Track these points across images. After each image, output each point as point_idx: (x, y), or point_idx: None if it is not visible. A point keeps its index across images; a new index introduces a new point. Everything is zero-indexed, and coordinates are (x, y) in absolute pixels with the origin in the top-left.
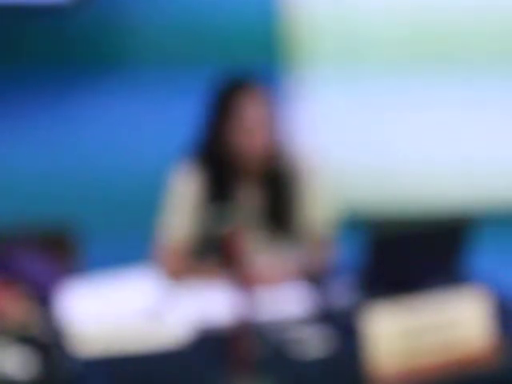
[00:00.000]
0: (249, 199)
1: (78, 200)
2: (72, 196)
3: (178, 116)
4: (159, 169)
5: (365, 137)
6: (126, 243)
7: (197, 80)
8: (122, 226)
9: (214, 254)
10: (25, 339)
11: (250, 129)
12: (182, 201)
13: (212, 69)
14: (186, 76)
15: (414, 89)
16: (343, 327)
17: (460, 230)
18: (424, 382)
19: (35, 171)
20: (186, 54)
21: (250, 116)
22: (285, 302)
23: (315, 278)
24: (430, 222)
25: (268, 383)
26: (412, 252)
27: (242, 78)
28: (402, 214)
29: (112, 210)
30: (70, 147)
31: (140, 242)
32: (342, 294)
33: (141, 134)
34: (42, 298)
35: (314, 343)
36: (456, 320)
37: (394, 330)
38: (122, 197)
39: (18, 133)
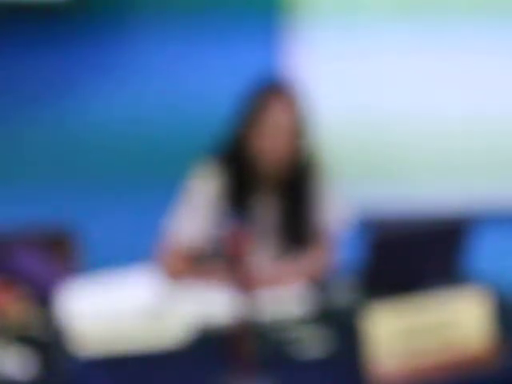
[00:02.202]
0: (266, 208)
1: (78, 199)
2: (72, 195)
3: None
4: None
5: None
6: (126, 243)
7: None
8: (123, 225)
9: (216, 254)
10: (25, 339)
11: (275, 133)
12: (197, 203)
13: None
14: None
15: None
16: (343, 327)
17: (460, 230)
18: (424, 382)
19: (35, 168)
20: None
21: (277, 121)
22: (285, 302)
23: (316, 278)
24: (430, 222)
25: (268, 383)
26: (412, 252)
27: (273, 83)
28: (403, 214)
29: (113, 208)
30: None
31: (140, 242)
32: (342, 294)
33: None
34: (42, 297)
35: (313, 343)
36: (456, 320)
37: (394, 330)
38: (122, 196)
39: (17, 130)
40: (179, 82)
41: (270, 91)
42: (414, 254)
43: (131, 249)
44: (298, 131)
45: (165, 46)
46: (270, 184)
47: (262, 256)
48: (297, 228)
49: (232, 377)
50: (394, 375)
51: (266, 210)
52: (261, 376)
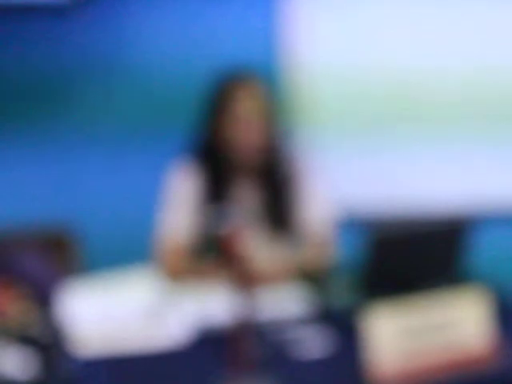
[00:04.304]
0: (247, 197)
1: (78, 198)
2: (72, 195)
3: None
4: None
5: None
6: (126, 243)
7: None
8: (123, 225)
9: (214, 253)
10: (25, 339)
11: (245, 123)
12: (180, 199)
13: None
14: None
15: None
16: (343, 327)
17: (460, 230)
18: (424, 382)
19: (36, 168)
20: None
21: (246, 110)
22: (285, 302)
23: (315, 277)
24: (430, 222)
25: (268, 383)
26: (412, 252)
27: (237, 72)
28: (402, 213)
29: (113, 208)
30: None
31: (140, 242)
32: (341, 294)
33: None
34: (42, 298)
35: (314, 343)
36: (456, 320)
37: (394, 330)
38: (123, 196)
39: (16, 128)
40: (182, 45)
41: (235, 81)
42: (414, 253)
43: (131, 249)
44: (267, 117)
45: (167, 21)
46: (248, 172)
47: (251, 243)
48: (279, 211)
49: (232, 377)
50: (394, 375)
51: (248, 198)
52: (261, 376)
